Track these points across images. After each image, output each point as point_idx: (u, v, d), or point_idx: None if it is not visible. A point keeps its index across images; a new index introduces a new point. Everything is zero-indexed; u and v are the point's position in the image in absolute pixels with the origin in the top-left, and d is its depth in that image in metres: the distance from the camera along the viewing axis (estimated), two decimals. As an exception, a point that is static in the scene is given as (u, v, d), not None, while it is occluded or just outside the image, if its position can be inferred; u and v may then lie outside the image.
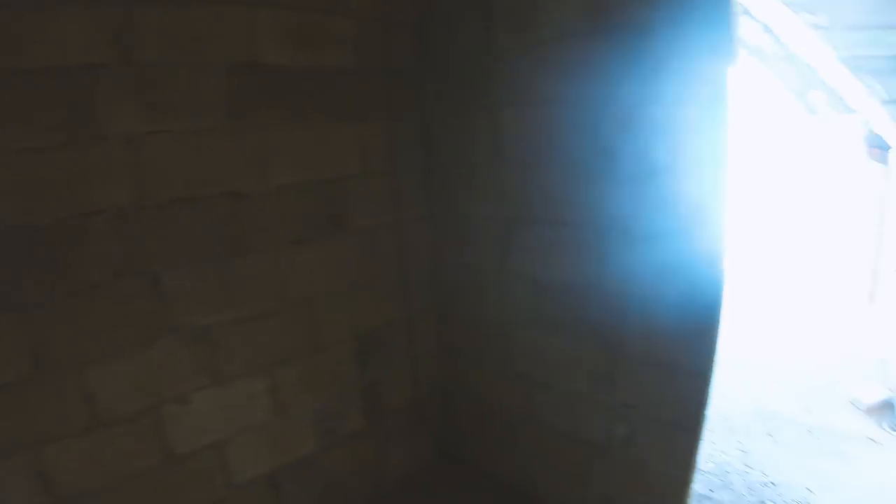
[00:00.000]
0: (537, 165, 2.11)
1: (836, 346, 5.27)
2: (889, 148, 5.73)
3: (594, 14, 1.87)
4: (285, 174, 2.14)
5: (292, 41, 2.10)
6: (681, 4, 1.70)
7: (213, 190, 1.96)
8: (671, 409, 2.04)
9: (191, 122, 1.87)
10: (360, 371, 2.52)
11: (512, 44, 2.12)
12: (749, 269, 7.17)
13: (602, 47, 1.88)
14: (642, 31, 1.78)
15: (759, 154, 8.08)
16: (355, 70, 2.30)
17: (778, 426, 3.74)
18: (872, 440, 3.67)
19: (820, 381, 4.49)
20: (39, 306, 1.62)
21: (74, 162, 1.65)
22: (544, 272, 2.19)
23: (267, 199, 2.09)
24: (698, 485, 3.04)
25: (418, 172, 2.54)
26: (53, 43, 1.56)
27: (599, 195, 1.99)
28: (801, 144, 7.40)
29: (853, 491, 3.10)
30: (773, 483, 3.15)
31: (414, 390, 2.78)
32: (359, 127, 2.33)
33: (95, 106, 1.67)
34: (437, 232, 2.51)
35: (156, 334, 1.88)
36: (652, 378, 2.04)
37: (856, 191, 6.33)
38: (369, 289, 2.51)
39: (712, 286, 1.86)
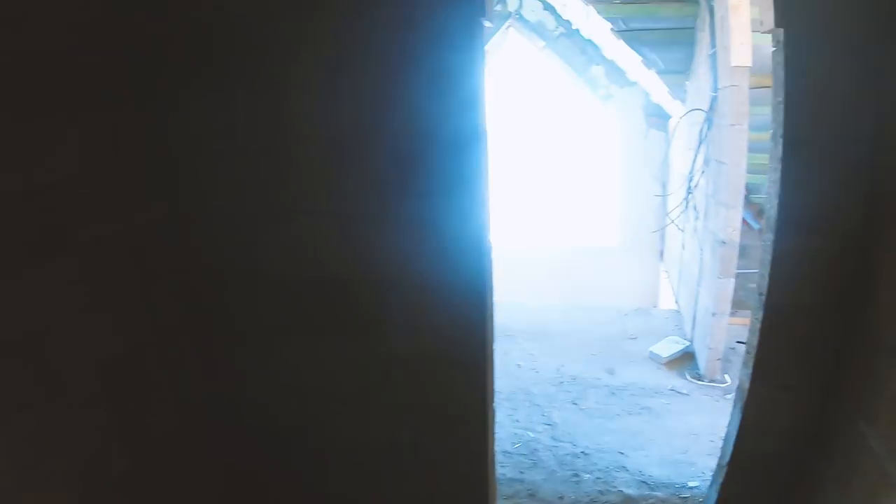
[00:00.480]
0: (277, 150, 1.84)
1: (628, 305, 5.61)
2: (668, 117, 6.16)
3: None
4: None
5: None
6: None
7: None
8: (452, 403, 1.89)
9: None
10: (110, 408, 2.10)
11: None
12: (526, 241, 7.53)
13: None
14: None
15: (540, 130, 8.48)
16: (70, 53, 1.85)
17: (582, 393, 3.83)
18: (677, 392, 3.86)
19: (617, 342, 4.71)
20: None
21: None
22: (299, 269, 1.93)
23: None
24: (508, 469, 2.98)
25: (152, 168, 2.15)
26: None
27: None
28: (584, 119, 7.78)
29: (664, 446, 3.18)
30: (584, 453, 3.16)
31: (180, 417, 2.40)
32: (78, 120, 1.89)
33: None
34: (182, 235, 2.15)
35: None
36: (426, 374, 1.87)
37: (638, 159, 6.77)
38: (107, 311, 2.08)
39: (478, 270, 1.73)
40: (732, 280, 3.75)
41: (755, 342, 1.82)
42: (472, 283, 1.76)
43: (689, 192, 4.27)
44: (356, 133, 1.73)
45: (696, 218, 4.31)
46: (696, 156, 4.15)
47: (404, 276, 1.81)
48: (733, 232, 3.65)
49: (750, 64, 3.33)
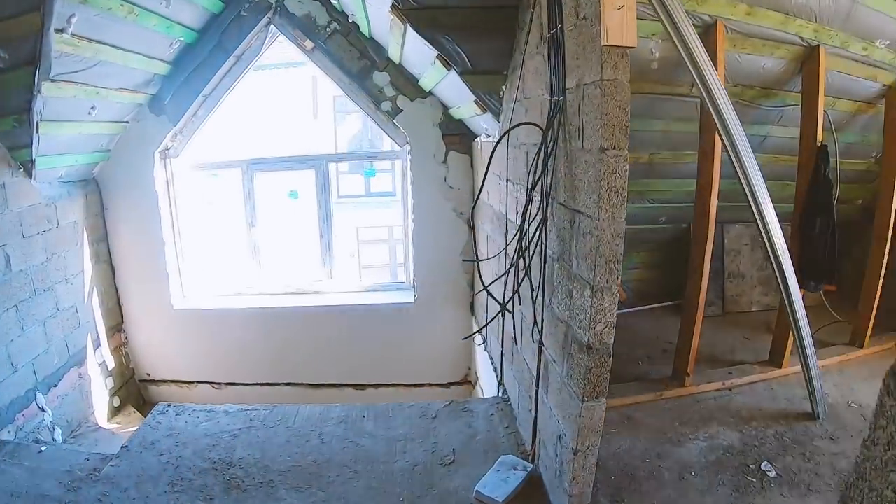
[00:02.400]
0: None
1: (434, 395, 4.10)
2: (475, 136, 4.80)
3: None
4: None
5: None
6: None
7: None
8: None
9: None
10: None
11: None
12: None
13: None
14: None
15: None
16: None
17: None
18: None
19: (428, 474, 3.13)
20: None
21: None
22: None
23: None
24: None
25: None
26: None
27: None
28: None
29: None
30: None
31: None
32: None
33: None
34: None
35: None
36: None
37: (435, 193, 5.36)
38: None
39: None
40: (604, 403, 2.35)
41: None
42: None
43: (521, 254, 2.81)
44: None
45: (535, 291, 2.86)
46: (528, 197, 2.71)
47: None
48: (605, 330, 2.24)
49: (634, 44, 1.94)
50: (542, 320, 2.82)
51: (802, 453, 3.18)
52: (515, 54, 3.32)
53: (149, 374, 6.02)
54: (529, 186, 2.65)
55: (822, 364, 3.86)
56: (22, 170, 4.28)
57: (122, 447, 3.52)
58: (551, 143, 2.52)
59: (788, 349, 3.99)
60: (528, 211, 2.70)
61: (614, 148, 2.06)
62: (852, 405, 3.72)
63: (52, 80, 3.66)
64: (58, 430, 4.58)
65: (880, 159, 4.71)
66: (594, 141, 2.10)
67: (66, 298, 4.86)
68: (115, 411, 5.53)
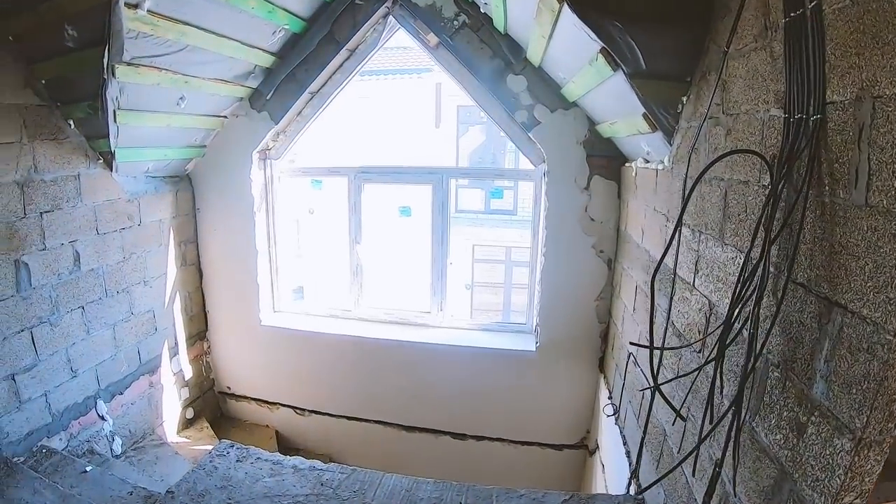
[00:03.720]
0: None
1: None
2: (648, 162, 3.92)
3: None
4: None
5: None
6: None
7: None
8: None
9: None
10: None
11: None
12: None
13: None
14: None
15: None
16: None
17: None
18: None
19: None
20: None
21: None
22: None
23: None
24: None
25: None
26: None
27: None
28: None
29: None
30: None
31: None
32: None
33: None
34: None
35: None
36: None
37: (571, 223, 4.49)
38: None
39: None
40: None
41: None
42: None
43: (721, 347, 1.92)
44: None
45: (728, 405, 1.97)
46: (742, 267, 1.81)
47: None
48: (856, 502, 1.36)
49: None
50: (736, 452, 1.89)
51: None
52: (710, 53, 2.43)
53: (229, 388, 5.61)
54: (746, 248, 1.74)
55: None
56: (101, 161, 3.90)
57: (167, 492, 3.04)
58: (786, 186, 1.62)
59: None
60: (741, 287, 1.78)
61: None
62: None
63: (129, 64, 3.21)
64: (118, 441, 4.26)
65: None
66: (901, 196, 1.21)
67: (143, 302, 4.51)
68: (186, 423, 5.20)
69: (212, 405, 5.60)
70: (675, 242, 2.56)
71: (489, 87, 4.37)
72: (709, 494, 1.99)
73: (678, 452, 2.53)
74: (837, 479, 1.36)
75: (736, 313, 1.79)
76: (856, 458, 1.32)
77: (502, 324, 5.32)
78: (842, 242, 1.41)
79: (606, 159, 4.31)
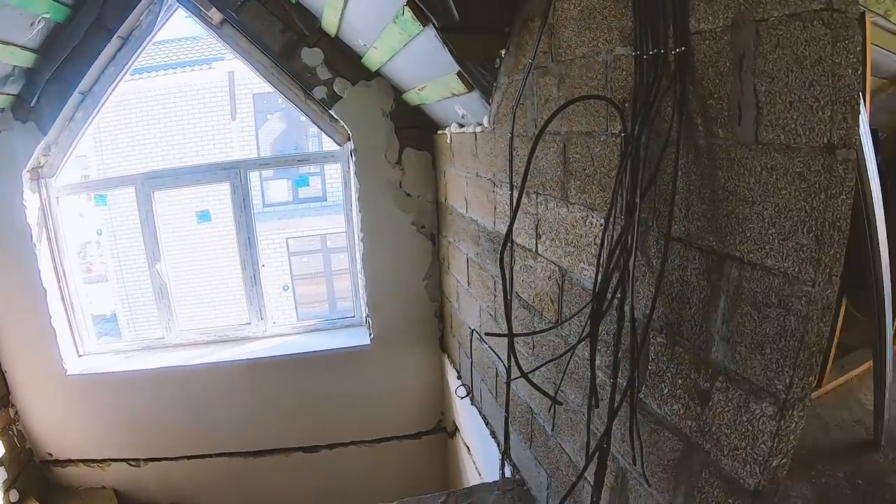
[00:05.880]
0: None
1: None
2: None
3: None
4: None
5: None
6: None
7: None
8: None
9: None
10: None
11: None
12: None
13: None
14: None
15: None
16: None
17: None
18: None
19: None
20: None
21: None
22: None
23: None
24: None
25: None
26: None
27: None
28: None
29: None
30: None
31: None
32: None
33: None
34: None
35: None
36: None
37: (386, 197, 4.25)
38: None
39: None
40: None
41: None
42: None
43: (595, 317, 1.74)
44: None
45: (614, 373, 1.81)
46: (605, 224, 1.63)
47: None
48: (783, 463, 1.28)
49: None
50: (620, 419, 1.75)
51: (883, 497, 2.41)
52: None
53: (51, 455, 4.67)
54: (597, 206, 1.55)
55: (854, 374, 3.14)
56: None
57: None
58: (645, 132, 1.45)
59: (830, 362, 3.25)
60: (608, 247, 1.60)
61: (845, 146, 1.02)
62: None
63: None
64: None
65: (883, 140, 4.14)
66: (808, 131, 1.06)
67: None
68: (14, 509, 4.27)
69: (37, 479, 4.63)
70: (513, 208, 2.39)
71: (281, 65, 3.93)
72: (599, 475, 1.83)
73: (552, 430, 2.39)
74: (763, 445, 1.24)
75: (606, 280, 1.62)
76: (782, 422, 1.19)
77: (331, 320, 4.92)
78: (727, 188, 1.26)
79: (417, 129, 4.08)
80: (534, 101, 2.22)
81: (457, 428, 4.44)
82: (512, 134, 2.34)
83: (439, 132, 3.90)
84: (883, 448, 2.89)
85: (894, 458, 2.82)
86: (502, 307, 2.66)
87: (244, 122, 14.81)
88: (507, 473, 3.07)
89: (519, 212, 2.40)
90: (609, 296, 1.59)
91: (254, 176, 13.57)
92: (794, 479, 2.69)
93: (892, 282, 3.28)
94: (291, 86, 4.04)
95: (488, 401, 3.37)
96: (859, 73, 1.04)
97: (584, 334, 1.64)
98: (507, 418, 2.89)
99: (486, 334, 2.05)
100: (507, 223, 2.46)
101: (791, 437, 1.24)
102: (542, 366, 2.12)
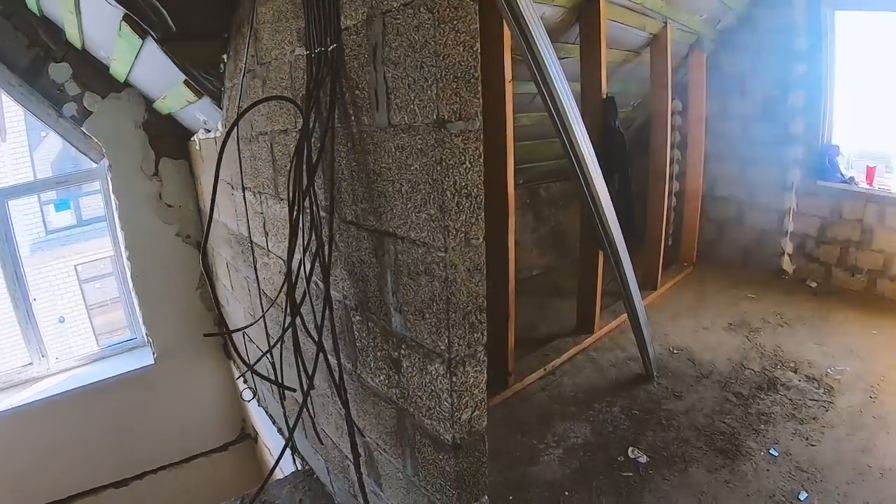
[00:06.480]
0: None
1: None
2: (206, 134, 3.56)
3: None
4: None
5: None
6: None
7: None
8: None
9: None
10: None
11: None
12: None
13: None
14: None
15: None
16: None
17: None
18: None
19: None
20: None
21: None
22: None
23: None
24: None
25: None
26: None
27: None
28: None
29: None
30: None
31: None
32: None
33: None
34: None
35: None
36: None
37: (146, 215, 3.99)
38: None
39: None
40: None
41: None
42: None
43: (294, 304, 1.75)
44: None
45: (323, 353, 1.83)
46: (291, 217, 1.62)
47: None
48: (476, 414, 1.37)
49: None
50: (345, 394, 1.79)
51: (659, 422, 2.84)
52: (243, 2, 2.19)
53: None
54: (291, 198, 1.57)
55: (623, 318, 3.69)
56: None
57: None
58: (317, 124, 1.49)
59: (598, 311, 3.66)
60: (297, 237, 1.61)
61: (460, 118, 1.12)
62: (674, 351, 3.54)
63: None
64: None
65: (637, 107, 4.63)
66: (422, 109, 1.14)
67: None
68: None
69: None
70: (245, 209, 2.36)
71: (30, 82, 3.49)
72: (354, 452, 1.86)
73: (315, 417, 2.39)
74: (446, 402, 1.32)
75: (299, 266, 1.65)
76: (454, 379, 1.28)
77: (114, 346, 4.52)
78: (376, 170, 1.33)
79: (172, 138, 3.86)
80: (248, 103, 2.19)
81: (258, 432, 4.32)
82: (238, 137, 2.30)
83: (192, 139, 3.73)
84: (656, 377, 3.26)
85: (667, 385, 3.21)
86: (259, 308, 2.62)
87: (16, 144, 13.02)
88: (299, 466, 3.04)
89: (250, 211, 2.36)
90: (305, 279, 1.62)
91: (28, 202, 11.91)
92: (573, 421, 2.96)
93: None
94: (41, 104, 3.62)
95: (270, 400, 3.31)
96: (474, 49, 1.13)
97: (288, 324, 1.65)
98: (284, 413, 2.86)
99: (205, 335, 1.99)
100: (247, 225, 2.43)
101: (474, 391, 1.33)
102: (262, 356, 2.08)
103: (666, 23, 3.71)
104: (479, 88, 1.13)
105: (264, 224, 2.25)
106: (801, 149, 4.37)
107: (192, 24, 2.27)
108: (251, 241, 2.46)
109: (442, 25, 1.06)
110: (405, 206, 1.24)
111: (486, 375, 1.35)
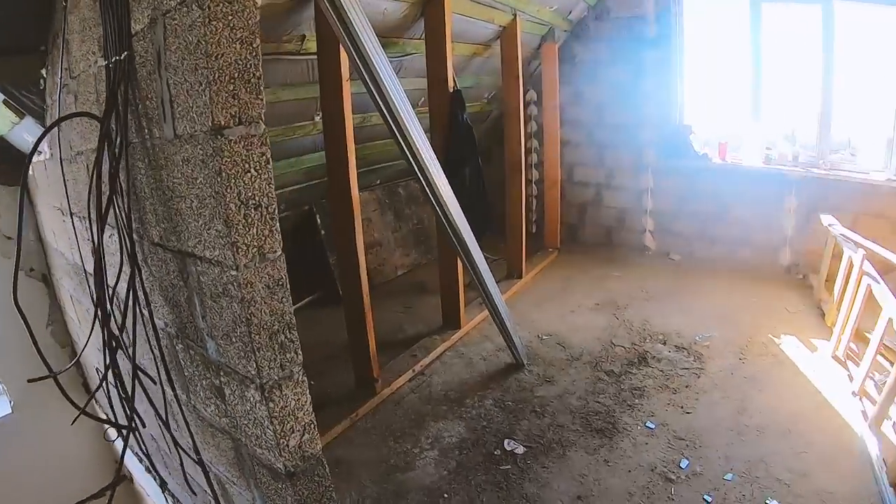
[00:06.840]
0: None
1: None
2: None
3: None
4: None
5: None
6: None
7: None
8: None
9: None
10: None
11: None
12: None
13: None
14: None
15: None
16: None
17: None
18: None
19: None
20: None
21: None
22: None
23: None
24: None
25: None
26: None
27: None
28: None
29: None
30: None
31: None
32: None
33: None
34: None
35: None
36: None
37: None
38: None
39: None
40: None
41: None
42: None
43: (111, 336, 1.60)
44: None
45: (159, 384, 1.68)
46: (98, 239, 1.47)
47: None
48: (307, 438, 1.28)
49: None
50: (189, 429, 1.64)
51: (533, 410, 2.82)
52: (58, 12, 1.97)
53: None
54: (96, 219, 1.41)
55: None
56: None
57: None
58: (117, 138, 1.34)
59: (463, 306, 3.64)
60: (104, 261, 1.45)
61: (240, 122, 1.02)
62: (544, 337, 3.55)
63: None
64: None
65: (492, 99, 4.70)
66: (199, 116, 1.03)
67: None
68: None
69: None
70: (75, 236, 2.14)
71: None
72: (210, 488, 1.71)
73: (170, 453, 2.19)
74: (269, 430, 1.20)
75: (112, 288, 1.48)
76: (270, 405, 1.17)
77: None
78: (170, 186, 1.20)
79: (6, 164, 3.47)
80: (68, 122, 1.98)
81: (131, 473, 3.97)
82: (60, 159, 2.08)
83: (27, 164, 3.38)
84: (527, 365, 3.22)
85: (539, 372, 3.17)
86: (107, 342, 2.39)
87: None
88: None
89: (80, 239, 2.14)
90: (120, 308, 1.46)
91: None
92: (446, 420, 2.87)
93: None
94: None
95: (133, 438, 3.04)
96: (254, 46, 1.02)
97: (109, 359, 1.48)
98: (147, 452, 2.62)
99: (29, 380, 1.78)
100: (79, 252, 2.21)
101: (298, 415, 1.22)
102: (92, 396, 1.89)
103: (515, 15, 3.75)
104: (262, 88, 1.03)
105: (91, 251, 2.04)
106: (655, 131, 4.58)
107: (3, 36, 2.05)
108: (84, 270, 2.24)
109: (214, 22, 0.96)
110: (197, 224, 1.13)
111: (309, 397, 1.24)
